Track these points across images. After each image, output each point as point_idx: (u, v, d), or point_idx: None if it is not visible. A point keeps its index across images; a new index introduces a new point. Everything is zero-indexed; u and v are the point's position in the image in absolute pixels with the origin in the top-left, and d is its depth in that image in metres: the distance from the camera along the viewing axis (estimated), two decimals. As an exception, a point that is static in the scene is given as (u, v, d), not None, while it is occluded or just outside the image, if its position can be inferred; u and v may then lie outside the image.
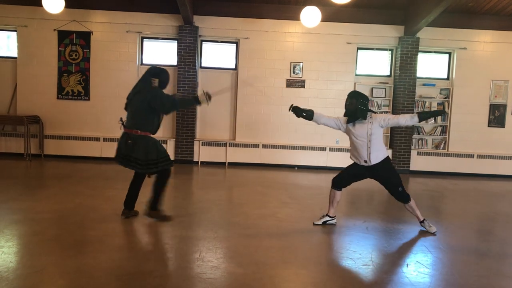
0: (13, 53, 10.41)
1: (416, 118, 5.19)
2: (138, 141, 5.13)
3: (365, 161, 5.34)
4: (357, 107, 5.26)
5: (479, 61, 10.52)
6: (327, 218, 5.62)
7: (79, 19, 10.15)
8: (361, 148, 5.32)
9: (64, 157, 10.13)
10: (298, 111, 5.45)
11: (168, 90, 10.28)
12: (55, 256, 4.09)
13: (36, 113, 10.16)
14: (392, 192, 5.44)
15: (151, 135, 5.26)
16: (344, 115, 5.44)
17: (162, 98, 5.16)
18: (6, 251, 4.13)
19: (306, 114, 5.45)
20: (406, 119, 5.23)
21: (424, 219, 5.52)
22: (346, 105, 5.37)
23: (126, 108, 5.38)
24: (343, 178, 5.57)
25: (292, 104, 5.51)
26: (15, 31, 10.25)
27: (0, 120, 9.90)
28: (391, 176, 5.39)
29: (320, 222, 5.59)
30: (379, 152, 5.31)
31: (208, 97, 5.27)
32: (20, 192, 6.77)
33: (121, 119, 5.38)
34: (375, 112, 5.48)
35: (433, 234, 5.39)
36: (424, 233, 5.44)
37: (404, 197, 5.43)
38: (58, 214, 5.43)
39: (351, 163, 5.61)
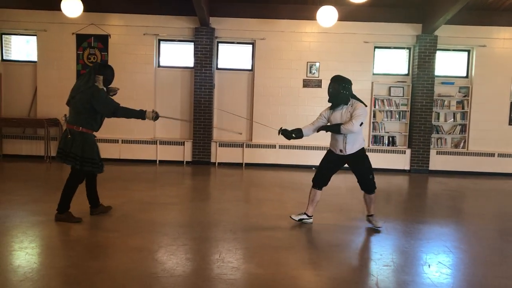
0: (33, 57, 10.59)
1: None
2: (77, 137, 5.17)
3: (340, 150, 5.28)
4: (339, 92, 5.17)
5: (499, 58, 10.35)
6: (305, 217, 5.55)
7: (97, 22, 10.26)
8: (337, 137, 5.26)
9: (83, 159, 10.23)
10: (287, 134, 5.43)
11: (185, 92, 10.43)
12: (77, 257, 4.14)
13: (56, 116, 10.28)
14: (361, 180, 5.37)
15: (93, 133, 5.33)
16: (328, 101, 5.36)
17: (105, 103, 5.19)
18: (30, 252, 4.20)
19: (295, 135, 5.42)
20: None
21: (373, 214, 5.47)
22: (328, 90, 5.28)
23: (68, 104, 5.36)
24: (321, 175, 5.50)
25: (281, 128, 5.50)
26: (35, 35, 10.41)
27: (21, 123, 10.06)
28: (364, 165, 5.33)
29: (296, 218, 5.54)
30: (355, 143, 5.23)
31: (156, 115, 5.34)
32: (42, 194, 6.87)
33: (65, 115, 5.44)
34: (360, 101, 5.28)
35: (379, 228, 5.35)
36: (445, 234, 5.37)
37: (371, 187, 5.37)
38: (79, 216, 5.47)
39: (326, 154, 5.54)
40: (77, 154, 5.13)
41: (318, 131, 5.39)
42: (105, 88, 5.30)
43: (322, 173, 5.51)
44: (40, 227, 5.06)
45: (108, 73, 5.34)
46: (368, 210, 5.51)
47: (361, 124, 5.09)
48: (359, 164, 5.34)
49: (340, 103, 5.22)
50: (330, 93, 5.27)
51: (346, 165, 5.46)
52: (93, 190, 5.62)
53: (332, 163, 5.45)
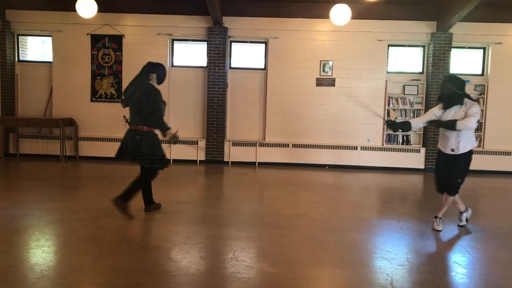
0: (48, 57, 10.71)
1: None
2: (145, 136, 5.29)
3: (452, 150, 5.24)
4: (453, 92, 5.15)
5: (515, 55, 10.21)
6: (464, 215, 5.57)
7: (111, 22, 10.34)
8: (450, 136, 5.22)
9: (98, 158, 10.35)
10: (394, 127, 5.54)
11: (198, 91, 10.48)
12: (93, 255, 4.19)
13: (71, 115, 10.41)
14: (449, 180, 5.31)
15: (155, 131, 5.41)
16: (438, 100, 5.36)
17: (150, 100, 5.23)
18: (47, 250, 4.26)
19: (402, 129, 5.51)
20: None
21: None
22: (441, 89, 5.28)
23: (124, 105, 5.49)
24: (440, 182, 5.46)
25: (389, 119, 5.58)
26: (50, 36, 10.52)
27: (37, 123, 10.18)
28: (462, 167, 5.28)
29: (463, 223, 5.57)
30: (468, 142, 5.20)
31: (175, 139, 5.38)
32: (58, 193, 6.96)
33: (124, 117, 5.51)
34: (473, 100, 5.27)
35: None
36: (461, 233, 5.32)
37: (454, 189, 5.33)
38: (94, 214, 5.55)
39: (436, 159, 5.55)
40: (146, 153, 5.27)
41: (429, 125, 5.38)
42: (159, 90, 5.43)
43: (440, 179, 5.47)
44: (57, 225, 5.13)
45: (160, 71, 5.51)
46: (440, 212, 5.49)
47: (478, 121, 5.11)
48: (461, 164, 5.27)
49: (456, 103, 5.19)
50: (444, 93, 5.25)
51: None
52: (150, 186, 5.74)
53: (445, 166, 5.39)
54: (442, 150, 5.36)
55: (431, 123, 5.37)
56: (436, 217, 5.45)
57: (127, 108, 5.53)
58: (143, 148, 5.27)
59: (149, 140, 5.31)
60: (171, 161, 10.32)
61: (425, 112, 10.23)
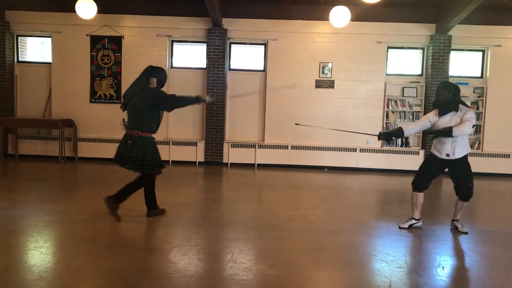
0: (48, 58, 10.70)
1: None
2: (137, 142, 5.22)
3: (447, 155, 5.28)
4: (449, 98, 5.20)
5: (514, 58, 10.22)
6: (413, 221, 5.55)
7: (111, 24, 10.35)
8: (445, 141, 5.27)
9: (97, 159, 10.34)
10: (387, 137, 5.59)
11: (197, 93, 10.47)
12: (91, 257, 4.17)
13: (70, 116, 10.40)
14: (461, 187, 5.36)
15: (152, 135, 5.35)
16: (434, 106, 5.41)
17: (163, 96, 5.31)
18: (45, 252, 4.25)
19: (396, 136, 5.59)
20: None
21: (458, 220, 5.49)
22: (437, 95, 5.32)
23: (124, 109, 5.44)
24: (422, 178, 5.51)
25: (380, 132, 5.62)
26: (50, 37, 10.53)
27: (36, 123, 10.17)
28: (467, 171, 5.33)
29: (406, 226, 5.52)
30: (462, 148, 5.26)
31: (212, 98, 5.39)
32: (56, 194, 6.96)
33: (123, 120, 5.42)
34: (468, 106, 5.35)
35: (465, 232, 5.37)
36: (460, 236, 5.32)
37: (469, 194, 5.36)
38: (93, 216, 5.54)
39: (427, 158, 5.58)
40: (137, 158, 5.20)
41: (424, 135, 5.45)
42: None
43: (422, 176, 5.53)
44: (55, 226, 5.11)
45: (161, 75, 5.42)
46: (455, 215, 5.53)
47: (473, 126, 5.12)
48: (462, 169, 5.33)
49: (451, 109, 5.24)
50: (439, 100, 5.29)
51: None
52: (153, 190, 5.64)
53: (434, 167, 5.46)
54: (437, 155, 5.39)
55: (426, 134, 5.43)
56: (455, 220, 5.52)
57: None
58: (135, 153, 5.20)
59: (141, 145, 5.22)
60: (170, 163, 10.31)
61: (424, 115, 10.28)
